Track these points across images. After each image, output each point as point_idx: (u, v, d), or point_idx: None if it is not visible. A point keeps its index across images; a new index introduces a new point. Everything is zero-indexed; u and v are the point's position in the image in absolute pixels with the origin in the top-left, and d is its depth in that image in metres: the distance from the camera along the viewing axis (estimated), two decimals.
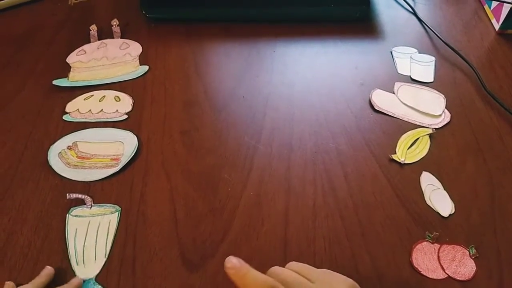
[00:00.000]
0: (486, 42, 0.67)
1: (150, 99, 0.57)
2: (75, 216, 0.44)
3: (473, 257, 0.42)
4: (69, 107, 0.55)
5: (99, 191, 0.47)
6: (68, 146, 0.51)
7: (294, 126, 0.54)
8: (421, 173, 0.49)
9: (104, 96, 0.57)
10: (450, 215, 0.45)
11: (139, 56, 0.63)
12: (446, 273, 0.41)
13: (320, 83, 0.60)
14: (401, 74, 0.62)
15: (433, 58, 0.64)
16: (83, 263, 0.41)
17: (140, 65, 0.62)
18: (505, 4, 0.66)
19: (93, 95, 0.57)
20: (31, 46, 0.64)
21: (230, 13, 0.69)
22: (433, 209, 0.46)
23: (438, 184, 0.48)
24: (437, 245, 0.43)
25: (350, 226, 0.45)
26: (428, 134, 0.53)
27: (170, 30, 0.68)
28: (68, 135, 0.52)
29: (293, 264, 0.35)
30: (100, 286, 0.40)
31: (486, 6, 0.73)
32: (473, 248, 0.43)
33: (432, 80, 0.61)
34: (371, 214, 0.46)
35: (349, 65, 0.63)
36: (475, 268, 0.41)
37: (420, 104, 0.57)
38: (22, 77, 0.59)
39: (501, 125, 0.54)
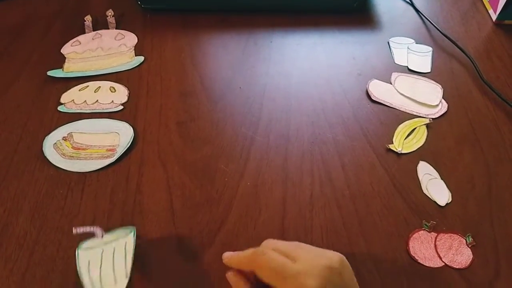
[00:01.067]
0: (483, 32, 0.67)
1: (145, 89, 0.57)
2: (87, 248, 0.40)
3: (469, 246, 0.42)
4: (64, 98, 0.55)
5: (94, 181, 0.47)
6: (63, 137, 0.50)
7: (291, 117, 0.54)
8: (418, 163, 0.49)
9: (100, 87, 0.57)
10: (447, 204, 0.46)
11: (135, 46, 0.63)
12: (443, 261, 0.41)
13: (318, 74, 0.60)
14: (398, 65, 0.61)
15: (430, 49, 0.64)
16: None
17: (136, 55, 0.61)
18: None
19: (88, 86, 0.57)
20: (26, 37, 0.64)
21: (227, 4, 0.68)
22: (430, 198, 0.46)
23: (435, 173, 0.48)
24: (434, 234, 0.43)
25: (347, 216, 0.45)
26: (425, 124, 0.53)
27: (165, 21, 0.67)
28: (63, 126, 0.52)
29: (269, 241, 0.35)
30: None
31: None
32: (469, 236, 0.43)
33: (429, 70, 0.61)
34: (368, 204, 0.46)
35: (347, 55, 0.62)
36: (471, 257, 0.42)
37: (417, 94, 0.57)
38: (16, 68, 0.59)
39: (498, 115, 0.54)
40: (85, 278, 0.39)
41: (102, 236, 0.40)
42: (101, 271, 0.39)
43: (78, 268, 0.39)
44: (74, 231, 0.39)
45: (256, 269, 0.33)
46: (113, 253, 0.40)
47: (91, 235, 0.40)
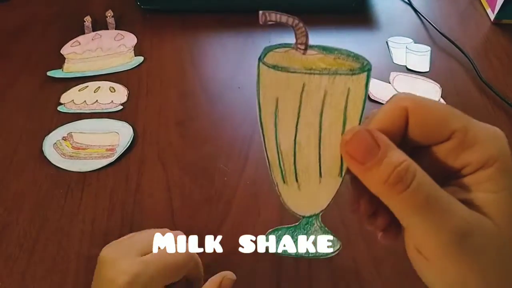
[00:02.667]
0: (481, 32, 0.67)
1: (145, 90, 0.57)
2: (273, 68, 0.21)
3: None
4: (64, 98, 0.55)
5: (94, 181, 0.47)
6: (63, 137, 0.51)
7: None
8: None
9: (99, 87, 0.57)
10: None
11: (134, 47, 0.63)
12: None
13: None
14: (397, 64, 0.62)
15: (429, 48, 0.64)
16: (296, 180, 0.23)
17: (135, 56, 0.61)
18: None
19: (88, 86, 0.57)
20: (25, 38, 0.64)
21: (225, 4, 0.68)
22: None
23: None
24: None
25: (346, 214, 0.45)
26: None
27: (165, 21, 0.67)
28: (63, 126, 0.52)
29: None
30: (331, 236, 0.24)
31: None
32: None
33: (427, 70, 0.61)
34: None
35: None
36: None
37: (415, 93, 0.57)
38: (16, 69, 0.59)
39: (496, 114, 0.55)
40: (269, 139, 0.22)
41: (305, 48, 0.21)
42: (297, 134, 0.21)
43: (259, 110, 0.22)
44: (261, 20, 0.22)
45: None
46: (323, 104, 0.21)
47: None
